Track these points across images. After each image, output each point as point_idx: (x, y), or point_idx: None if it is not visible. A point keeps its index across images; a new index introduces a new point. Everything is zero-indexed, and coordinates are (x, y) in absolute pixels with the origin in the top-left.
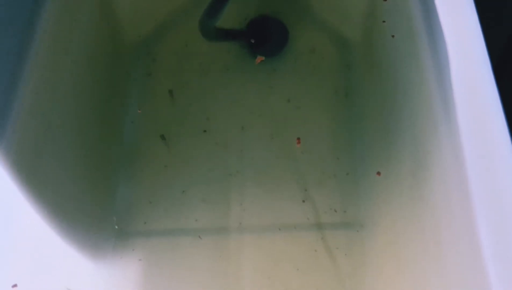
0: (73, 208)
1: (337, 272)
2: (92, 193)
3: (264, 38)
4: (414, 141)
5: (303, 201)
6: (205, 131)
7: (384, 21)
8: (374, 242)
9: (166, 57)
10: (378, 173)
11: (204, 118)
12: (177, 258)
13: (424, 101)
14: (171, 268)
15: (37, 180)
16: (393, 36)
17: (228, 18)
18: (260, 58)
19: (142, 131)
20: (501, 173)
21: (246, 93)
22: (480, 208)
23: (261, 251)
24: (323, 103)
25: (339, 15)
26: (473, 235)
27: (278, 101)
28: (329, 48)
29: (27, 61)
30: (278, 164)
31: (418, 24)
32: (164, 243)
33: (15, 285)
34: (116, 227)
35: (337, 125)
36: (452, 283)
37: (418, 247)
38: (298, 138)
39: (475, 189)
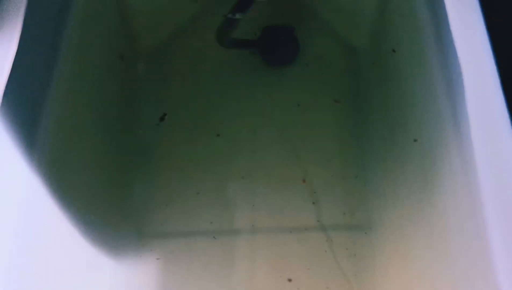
0: (94, 210)
1: (346, 272)
2: (112, 197)
3: (275, 47)
4: (422, 147)
5: (313, 203)
6: (218, 135)
7: (390, 34)
8: (382, 243)
9: (181, 62)
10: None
11: (218, 122)
12: (193, 257)
13: (432, 112)
14: (187, 266)
15: (63, 185)
16: (393, 50)
17: (242, 27)
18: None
19: (158, 135)
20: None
21: (258, 97)
22: (491, 213)
23: (273, 251)
24: (331, 107)
25: (347, 25)
26: (482, 237)
27: (288, 105)
28: (336, 55)
29: (54, 74)
30: (288, 166)
31: (427, 38)
32: (180, 243)
33: None
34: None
35: (346, 128)
36: (460, 283)
37: (426, 249)
38: None
39: (485, 193)
